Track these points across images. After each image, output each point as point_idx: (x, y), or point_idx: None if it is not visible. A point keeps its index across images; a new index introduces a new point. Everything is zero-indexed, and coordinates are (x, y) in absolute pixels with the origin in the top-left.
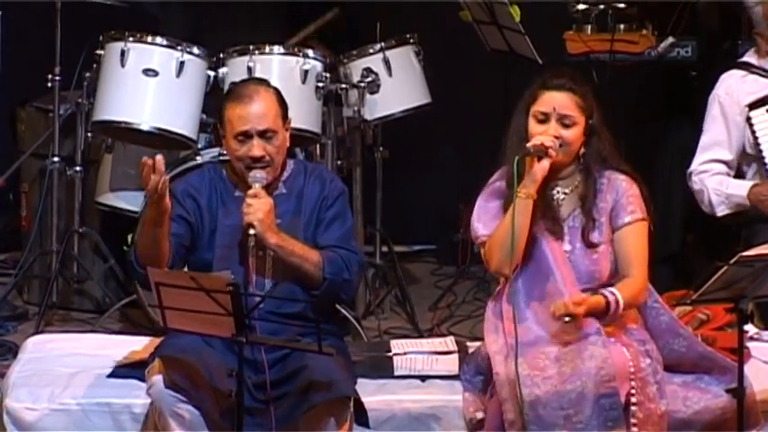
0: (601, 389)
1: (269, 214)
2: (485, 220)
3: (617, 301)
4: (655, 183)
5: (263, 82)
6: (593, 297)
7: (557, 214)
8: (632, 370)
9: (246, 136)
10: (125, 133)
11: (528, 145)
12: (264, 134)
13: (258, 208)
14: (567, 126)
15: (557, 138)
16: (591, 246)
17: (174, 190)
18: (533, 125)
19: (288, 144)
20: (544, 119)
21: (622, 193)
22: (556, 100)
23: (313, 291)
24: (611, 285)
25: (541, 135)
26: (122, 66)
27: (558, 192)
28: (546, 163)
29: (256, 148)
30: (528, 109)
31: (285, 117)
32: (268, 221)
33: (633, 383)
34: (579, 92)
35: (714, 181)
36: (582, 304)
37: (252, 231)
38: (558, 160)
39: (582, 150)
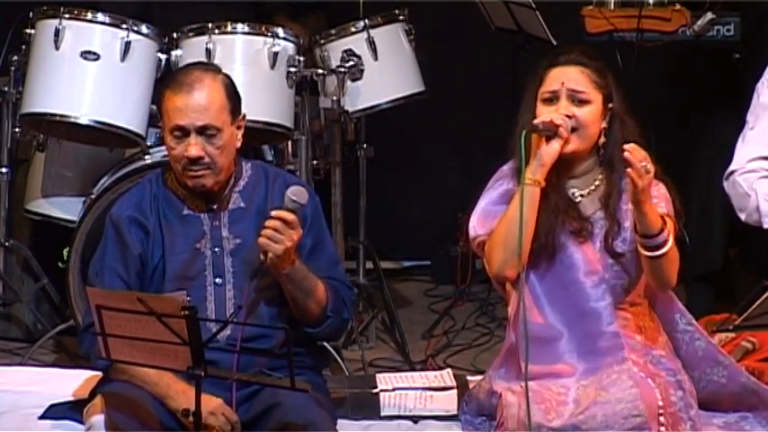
0: (626, 428)
1: (292, 249)
2: (486, 222)
3: (669, 231)
4: (691, 187)
5: (211, 68)
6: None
7: (580, 211)
8: (661, 404)
9: (183, 132)
10: (60, 128)
11: (535, 121)
12: (204, 131)
13: (284, 239)
14: (579, 103)
15: (569, 117)
16: (614, 256)
17: (119, 219)
18: (541, 108)
19: (238, 144)
20: (552, 97)
21: None
22: (564, 75)
23: (309, 328)
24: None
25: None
26: (56, 48)
27: (573, 194)
28: (556, 145)
29: (193, 147)
30: (536, 95)
31: (235, 112)
32: (290, 258)
33: (662, 419)
34: (592, 66)
35: (766, 185)
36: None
37: (263, 261)
38: (572, 148)
39: (602, 140)
